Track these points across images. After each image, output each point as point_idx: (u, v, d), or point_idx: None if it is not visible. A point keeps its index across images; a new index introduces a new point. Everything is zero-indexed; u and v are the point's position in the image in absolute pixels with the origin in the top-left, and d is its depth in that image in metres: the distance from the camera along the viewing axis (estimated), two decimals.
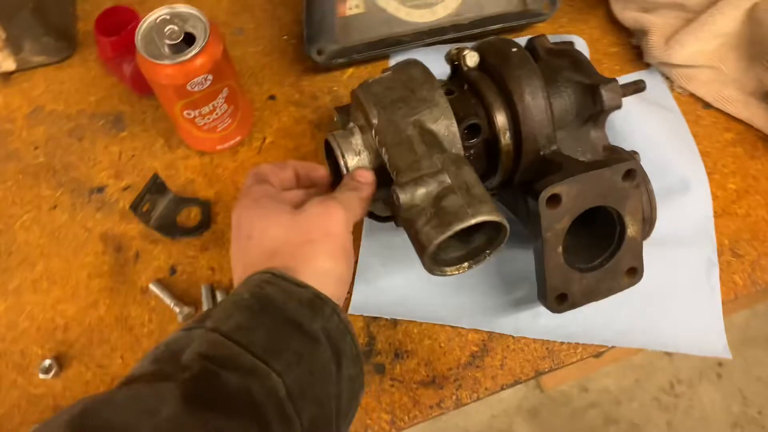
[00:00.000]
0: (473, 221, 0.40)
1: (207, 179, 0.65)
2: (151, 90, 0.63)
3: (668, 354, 1.52)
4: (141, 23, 0.55)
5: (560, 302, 0.50)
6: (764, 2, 0.63)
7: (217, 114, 0.60)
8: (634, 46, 0.73)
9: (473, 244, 0.45)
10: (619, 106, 0.52)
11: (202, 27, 0.55)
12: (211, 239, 0.62)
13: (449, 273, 0.45)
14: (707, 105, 0.69)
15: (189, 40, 0.55)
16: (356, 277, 0.58)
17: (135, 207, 0.59)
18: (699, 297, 0.58)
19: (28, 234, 0.63)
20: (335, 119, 0.58)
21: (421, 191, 0.43)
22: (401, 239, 0.58)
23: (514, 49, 0.52)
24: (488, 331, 0.56)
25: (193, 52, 0.54)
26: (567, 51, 0.56)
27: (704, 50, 0.66)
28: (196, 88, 0.56)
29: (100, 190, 0.65)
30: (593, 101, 0.52)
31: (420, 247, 0.42)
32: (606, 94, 0.51)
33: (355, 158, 0.49)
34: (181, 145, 0.67)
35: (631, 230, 0.49)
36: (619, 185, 0.47)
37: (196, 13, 0.56)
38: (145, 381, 0.35)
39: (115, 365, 0.56)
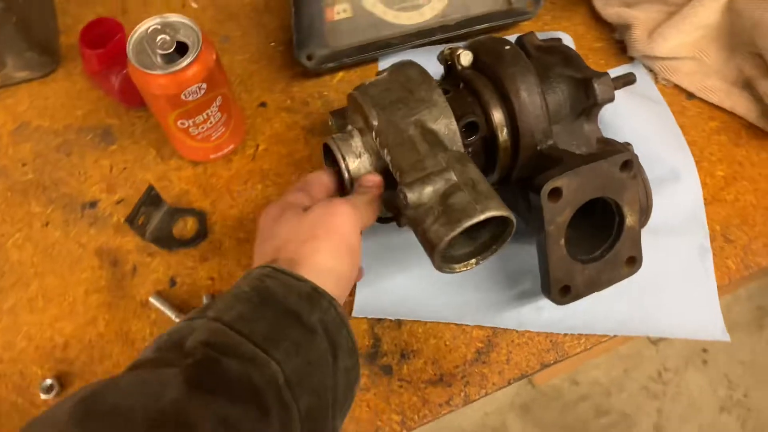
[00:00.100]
0: (482, 217, 0.41)
1: (201, 189, 0.65)
2: (141, 102, 0.62)
3: (654, 343, 1.54)
4: (132, 34, 0.55)
5: (564, 294, 0.50)
6: None
7: (211, 123, 0.60)
8: (617, 41, 0.74)
9: (479, 240, 0.46)
10: (611, 99, 0.53)
11: (194, 36, 0.55)
12: (209, 249, 0.61)
13: (458, 270, 0.45)
14: (691, 95, 0.70)
15: (181, 49, 0.55)
16: None
17: (131, 220, 0.59)
18: (695, 283, 0.59)
19: (21, 252, 0.61)
20: (330, 123, 0.58)
21: (429, 189, 0.43)
22: (401, 240, 0.59)
23: (507, 47, 0.52)
24: (492, 327, 0.57)
25: (187, 61, 0.53)
26: (557, 47, 0.57)
27: (686, 42, 0.68)
28: (190, 98, 0.56)
29: (93, 204, 0.64)
30: (586, 95, 0.52)
31: (429, 246, 0.43)
32: (599, 88, 0.52)
33: (356, 161, 0.49)
34: (173, 155, 0.67)
35: (630, 220, 0.50)
36: (617, 176, 0.48)
37: (187, 22, 0.55)
38: (149, 367, 0.36)
39: None
